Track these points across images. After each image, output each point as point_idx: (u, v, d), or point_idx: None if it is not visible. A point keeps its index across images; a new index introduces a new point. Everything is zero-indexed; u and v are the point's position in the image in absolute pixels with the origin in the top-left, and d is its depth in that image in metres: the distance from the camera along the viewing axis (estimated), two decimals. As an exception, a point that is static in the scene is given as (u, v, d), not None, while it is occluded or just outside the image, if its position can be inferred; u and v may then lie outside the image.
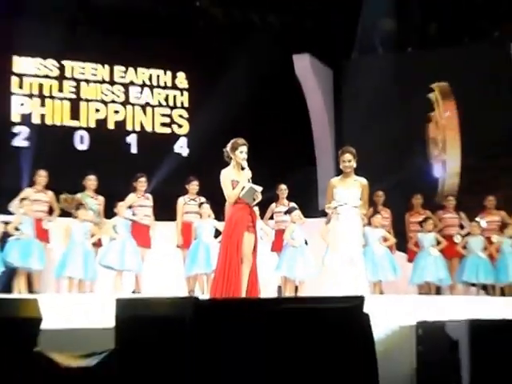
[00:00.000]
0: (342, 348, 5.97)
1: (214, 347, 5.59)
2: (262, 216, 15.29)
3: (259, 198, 11.12)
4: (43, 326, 5.70)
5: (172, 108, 21.13)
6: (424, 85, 20.43)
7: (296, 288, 15.59)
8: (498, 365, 7.04)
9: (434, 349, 7.69)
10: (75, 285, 14.74)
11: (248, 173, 10.98)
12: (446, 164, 20.40)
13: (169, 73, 21.14)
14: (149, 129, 20.87)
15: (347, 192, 11.89)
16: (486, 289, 16.94)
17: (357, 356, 6.01)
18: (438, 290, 16.78)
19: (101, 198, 15.39)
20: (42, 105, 19.89)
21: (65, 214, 15.21)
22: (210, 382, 5.54)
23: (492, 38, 20.57)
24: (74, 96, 20.18)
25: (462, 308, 11.04)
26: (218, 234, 13.84)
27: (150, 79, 20.99)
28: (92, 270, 14.69)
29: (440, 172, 20.55)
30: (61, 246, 14.89)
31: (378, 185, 15.60)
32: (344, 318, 6.11)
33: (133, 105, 20.75)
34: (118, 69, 20.66)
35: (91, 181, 15.27)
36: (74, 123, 20.12)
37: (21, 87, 19.69)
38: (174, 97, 21.19)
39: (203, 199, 15.20)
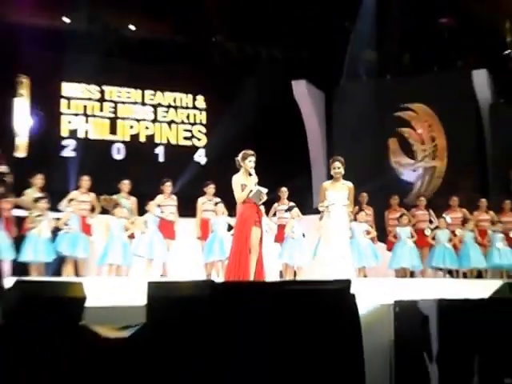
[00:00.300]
0: (333, 322, 5.96)
1: (228, 321, 5.59)
2: (267, 213, 15.23)
3: (264, 198, 11.09)
4: (87, 304, 5.69)
5: (192, 124, 21.12)
6: (399, 106, 20.40)
7: (295, 273, 15.58)
8: (462, 337, 7.02)
9: (409, 324, 7.66)
10: (114, 270, 14.77)
11: (255, 178, 10.94)
12: (429, 170, 20.42)
13: (190, 96, 21.12)
14: (173, 142, 20.87)
15: (337, 194, 11.87)
16: (451, 273, 16.96)
17: (345, 329, 5.99)
18: (412, 274, 16.81)
19: (133, 199, 15.38)
20: (86, 122, 19.92)
21: (104, 211, 15.20)
22: (225, 350, 5.52)
23: (457, 67, 20.52)
24: (112, 115, 20.21)
25: (431, 289, 11.02)
26: (230, 228, 13.81)
27: (175, 101, 20.98)
28: (129, 257, 14.71)
29: (413, 177, 20.52)
30: (101, 238, 14.89)
31: (362, 187, 15.58)
32: (334, 297, 6.09)
33: (160, 122, 20.75)
34: (148, 92, 20.66)
35: (125, 185, 15.28)
36: (112, 137, 20.16)
37: (69, 108, 19.74)
38: (194, 115, 21.18)
39: (218, 199, 15.16)
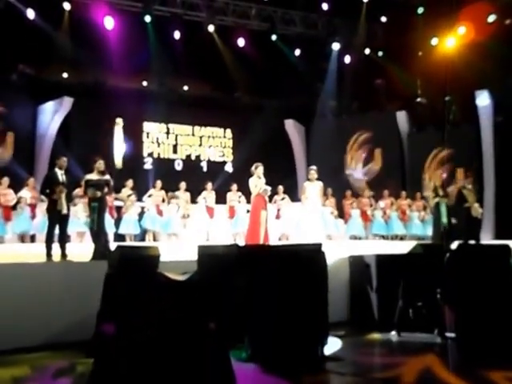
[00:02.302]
0: (310, 271, 6.02)
1: (248, 269, 5.65)
2: (270, 201, 15.26)
3: (268, 193, 11.16)
4: (161, 259, 5.77)
5: (223, 147, 21.09)
6: (351, 135, 20.39)
7: (287, 238, 15.64)
8: (390, 277, 7.06)
9: (357, 270, 7.72)
10: (175, 237, 14.93)
11: (263, 180, 10.99)
12: (359, 173, 20.45)
13: (222, 129, 21.08)
14: (212, 159, 20.84)
15: (312, 189, 11.92)
16: (384, 237, 16.98)
17: (318, 275, 6.05)
18: (360, 239, 16.81)
19: (187, 194, 15.39)
20: (158, 147, 19.92)
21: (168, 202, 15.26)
22: (248, 288, 5.59)
23: (386, 109, 20.49)
24: (174, 142, 20.20)
25: (372, 248, 11.03)
26: (247, 211, 13.83)
27: (212, 133, 20.95)
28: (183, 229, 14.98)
29: (357, 176, 20.51)
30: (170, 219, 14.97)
31: (328, 184, 15.50)
32: (311, 254, 6.16)
33: (204, 146, 20.72)
34: (196, 128, 20.63)
35: (183, 185, 15.31)
36: (174, 156, 20.14)
37: (148, 138, 19.75)
38: (225, 142, 21.14)
39: (240, 193, 15.20)
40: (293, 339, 5.66)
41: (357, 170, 20.56)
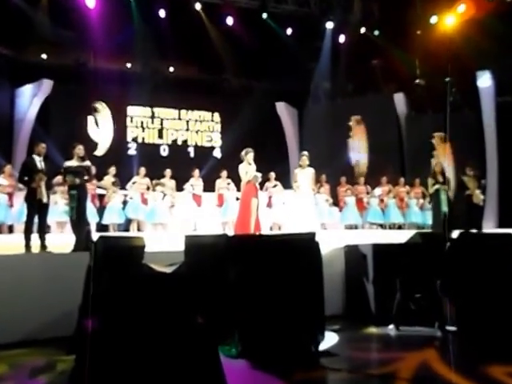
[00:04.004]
0: (304, 260, 6.01)
1: (238, 260, 5.64)
2: (261, 189, 15.25)
3: (259, 180, 11.17)
4: (146, 250, 5.74)
5: (211, 132, 21.03)
6: (346, 118, 20.34)
7: (279, 227, 15.66)
8: (387, 267, 7.07)
9: (354, 260, 7.72)
10: (161, 227, 14.91)
11: (253, 166, 11.01)
12: (358, 158, 20.44)
13: (209, 113, 21.01)
14: (199, 144, 20.78)
15: (304, 176, 11.95)
16: (382, 226, 17.01)
17: (312, 264, 6.05)
18: (356, 227, 16.86)
19: (173, 181, 15.30)
20: (143, 131, 19.83)
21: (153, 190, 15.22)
22: (236, 278, 5.58)
23: (383, 91, 20.47)
24: (159, 126, 20.12)
25: (368, 237, 11.05)
26: (237, 199, 13.81)
27: (200, 117, 20.88)
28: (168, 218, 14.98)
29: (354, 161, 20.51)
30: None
31: (322, 171, 15.58)
32: (305, 243, 6.15)
33: (191, 131, 20.66)
34: (183, 112, 20.55)
35: (168, 172, 15.21)
36: (160, 141, 20.06)
37: (131, 122, 19.64)
38: (213, 126, 21.07)
39: (229, 181, 15.17)
40: (285, 334, 5.65)
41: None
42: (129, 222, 14.82)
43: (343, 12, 20.36)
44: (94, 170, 10.50)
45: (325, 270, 6.11)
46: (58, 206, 13.46)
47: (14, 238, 10.77)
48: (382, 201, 17.10)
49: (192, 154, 20.60)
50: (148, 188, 15.01)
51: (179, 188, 15.42)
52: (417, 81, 19.54)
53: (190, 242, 6.32)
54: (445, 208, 12.75)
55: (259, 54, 19.49)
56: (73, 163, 9.26)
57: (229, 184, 15.26)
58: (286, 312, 5.68)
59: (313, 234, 6.23)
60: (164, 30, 18.30)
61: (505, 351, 5.65)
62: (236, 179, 12.68)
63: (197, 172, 15.65)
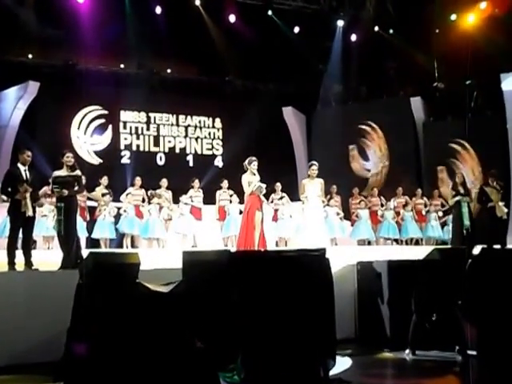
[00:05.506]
0: (314, 278, 6.01)
1: (241, 278, 5.64)
2: (267, 201, 15.26)
3: (264, 191, 11.20)
4: (141, 267, 5.74)
5: (212, 139, 21.05)
6: (358, 124, 20.35)
7: (285, 242, 15.67)
8: (404, 286, 7.07)
9: (367, 278, 7.72)
10: (156, 242, 14.91)
11: (257, 177, 11.03)
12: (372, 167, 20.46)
13: (210, 118, 21.02)
14: (199, 152, 20.79)
15: (312, 187, 11.92)
16: (397, 241, 16.99)
17: (322, 283, 6.04)
18: (369, 243, 16.84)
19: (170, 193, 15.28)
20: (137, 138, 19.84)
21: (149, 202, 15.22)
22: (239, 297, 5.58)
23: (400, 95, 20.49)
24: (155, 133, 20.14)
25: (383, 253, 11.03)
26: (240, 212, 13.82)
27: (199, 122, 20.89)
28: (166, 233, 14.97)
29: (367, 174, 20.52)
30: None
31: (332, 182, 15.60)
32: (314, 260, 6.15)
33: (190, 138, 20.68)
34: (181, 117, 20.57)
35: (164, 183, 15.20)
36: (156, 149, 20.07)
37: (125, 128, 19.65)
38: (214, 133, 21.10)
39: (232, 192, 15.19)
40: (292, 359, 5.64)
41: (364, 166, 20.56)
42: (122, 236, 14.81)
43: (355, 9, 20.45)
44: (84, 180, 10.48)
45: (336, 288, 6.10)
46: (47, 219, 13.46)
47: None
48: (397, 214, 17.07)
49: (191, 163, 20.63)
50: (143, 200, 15.01)
51: (176, 200, 15.42)
52: (435, 84, 19.57)
53: (189, 258, 6.32)
54: (466, 221, 12.72)
55: (264, 54, 19.54)
56: (62, 173, 9.22)
57: (231, 196, 15.26)
58: (294, 335, 5.67)
59: (323, 250, 6.22)
60: (161, 27, 18.38)
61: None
62: (239, 190, 12.70)
63: (196, 182, 15.63)
